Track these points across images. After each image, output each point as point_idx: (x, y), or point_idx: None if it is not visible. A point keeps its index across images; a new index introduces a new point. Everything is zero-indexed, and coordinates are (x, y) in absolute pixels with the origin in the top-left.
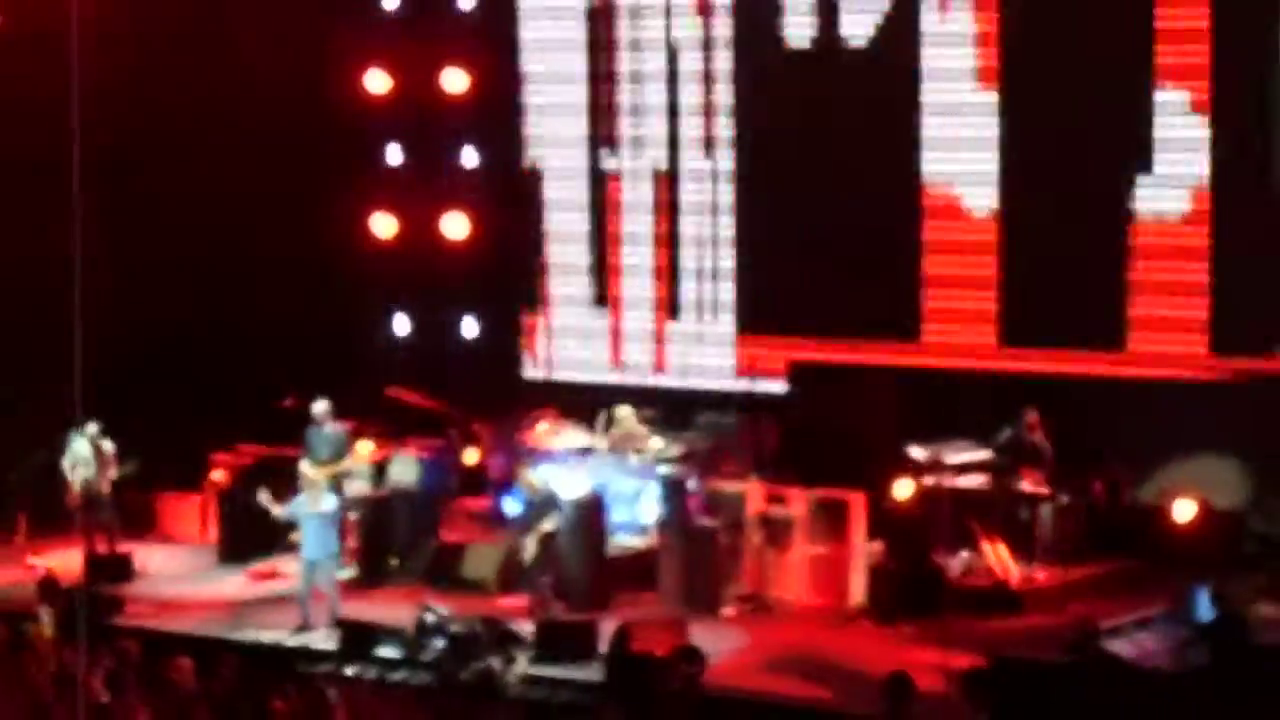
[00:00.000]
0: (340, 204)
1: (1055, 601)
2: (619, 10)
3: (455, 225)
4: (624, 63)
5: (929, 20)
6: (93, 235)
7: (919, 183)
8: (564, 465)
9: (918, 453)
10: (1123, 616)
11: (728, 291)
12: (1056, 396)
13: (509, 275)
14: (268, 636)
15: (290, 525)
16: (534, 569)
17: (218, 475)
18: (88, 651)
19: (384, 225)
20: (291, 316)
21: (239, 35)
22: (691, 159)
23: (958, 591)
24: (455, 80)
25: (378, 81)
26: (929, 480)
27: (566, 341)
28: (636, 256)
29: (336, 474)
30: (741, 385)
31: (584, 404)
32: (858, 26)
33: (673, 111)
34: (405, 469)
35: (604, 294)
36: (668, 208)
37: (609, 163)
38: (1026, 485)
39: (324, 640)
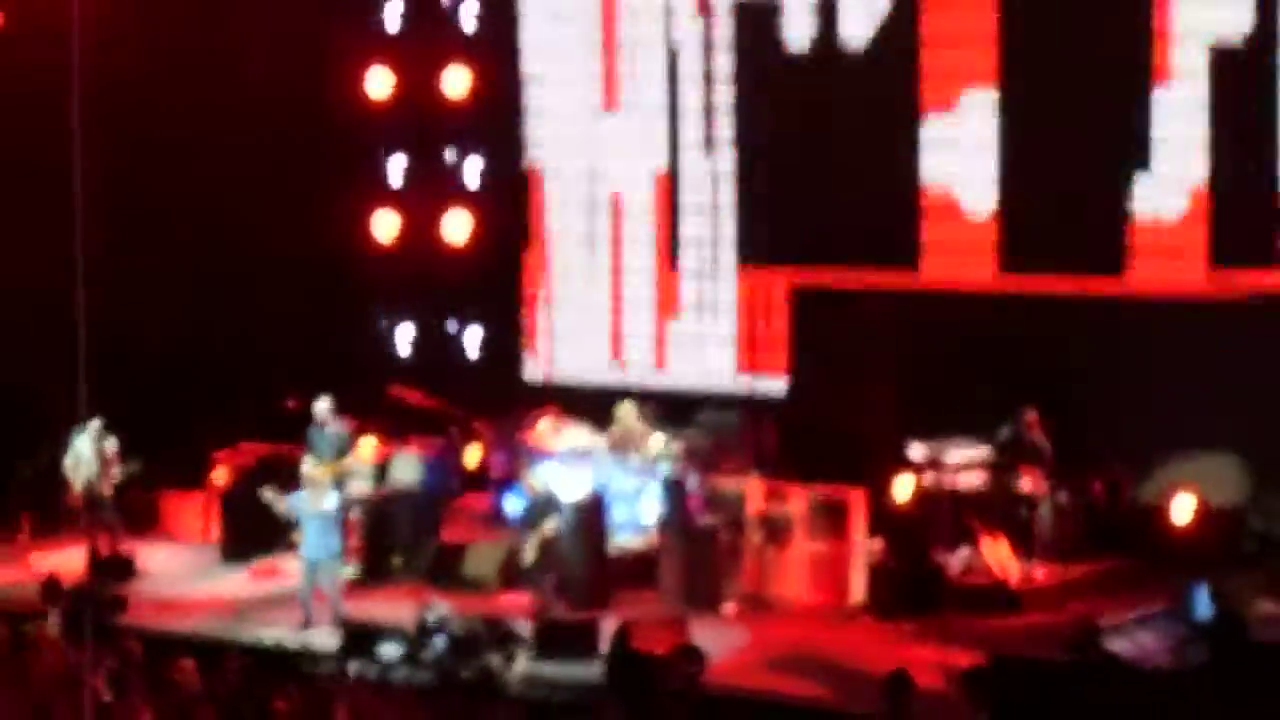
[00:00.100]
0: (342, 205)
1: (1055, 600)
2: (620, 12)
3: (456, 226)
4: (624, 62)
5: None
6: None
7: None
8: (565, 464)
9: (917, 451)
10: (1122, 615)
11: (728, 291)
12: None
13: (510, 276)
14: (270, 636)
15: (292, 524)
16: (535, 569)
17: (220, 474)
18: (91, 651)
19: (385, 226)
20: (294, 317)
21: (240, 38)
22: (692, 160)
23: (957, 590)
24: (456, 82)
25: (379, 84)
26: (929, 478)
27: (567, 341)
28: (637, 257)
29: (339, 473)
30: (742, 385)
31: (585, 403)
32: (857, 28)
33: (673, 112)
34: (407, 468)
35: (605, 294)
36: (668, 209)
37: (610, 163)
38: (1026, 484)
39: (326, 639)
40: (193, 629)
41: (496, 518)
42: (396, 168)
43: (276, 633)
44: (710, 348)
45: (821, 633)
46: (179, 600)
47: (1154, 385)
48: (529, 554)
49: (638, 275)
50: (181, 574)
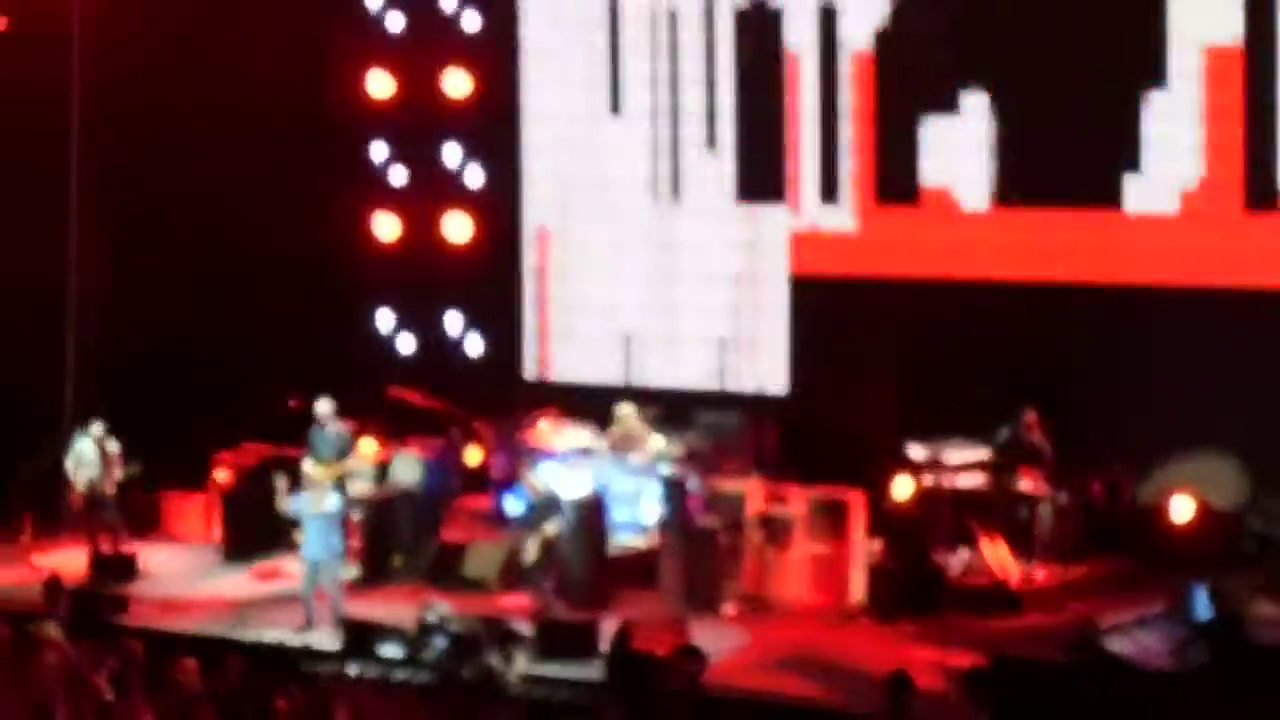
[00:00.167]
0: (342, 205)
1: (1054, 601)
2: (622, 13)
3: (456, 226)
4: (625, 63)
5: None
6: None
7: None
8: (565, 465)
9: (917, 452)
10: (1122, 616)
11: (729, 291)
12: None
13: (510, 276)
14: (271, 636)
15: (293, 524)
16: (536, 569)
17: (221, 475)
18: (92, 651)
19: (385, 227)
20: (294, 317)
21: (241, 39)
22: (693, 159)
23: (957, 590)
24: (456, 83)
25: (379, 84)
26: (928, 479)
27: (568, 342)
28: (638, 257)
29: (340, 474)
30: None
31: (585, 404)
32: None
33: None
34: (407, 469)
35: (606, 294)
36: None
37: (610, 163)
38: (1026, 484)
39: (327, 639)
40: (194, 629)
41: (497, 518)
42: (396, 168)
43: (278, 632)
44: (710, 348)
45: (821, 633)
46: (180, 600)
47: (1154, 385)
48: (530, 554)
49: (637, 275)
50: (183, 574)
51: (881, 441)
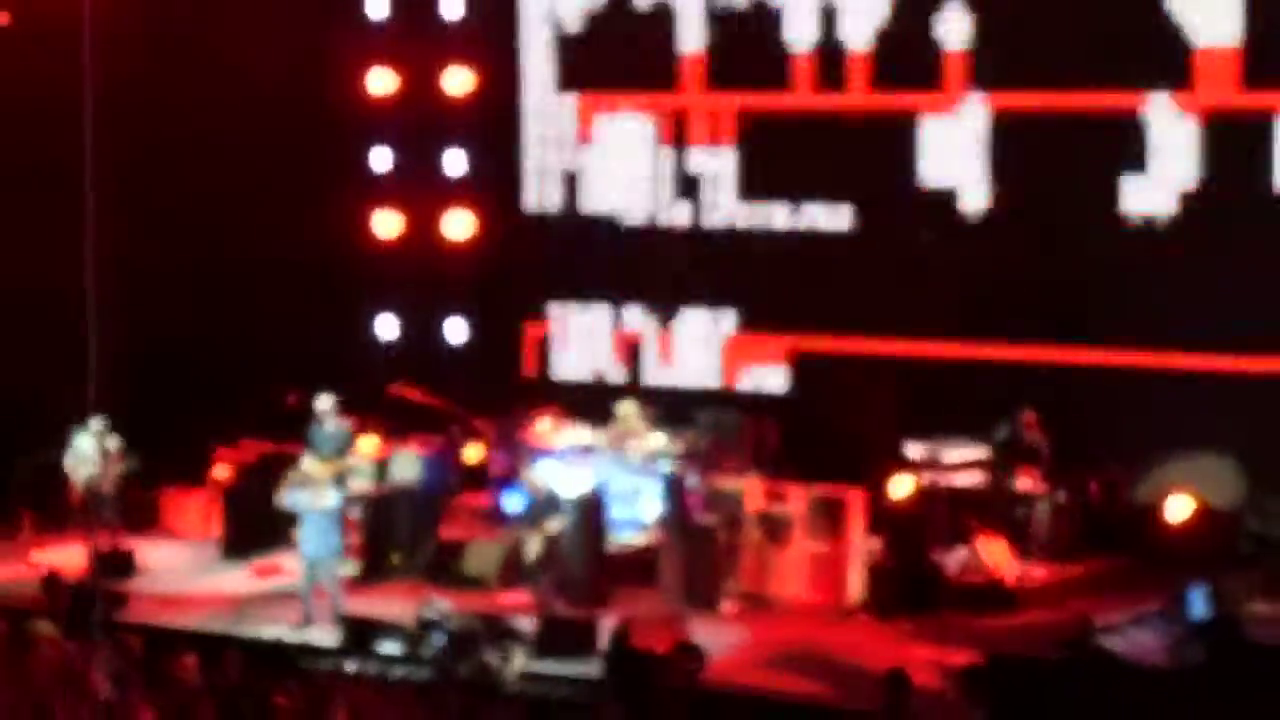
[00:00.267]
0: (342, 203)
1: (1052, 599)
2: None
3: (456, 224)
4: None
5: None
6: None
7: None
8: (565, 462)
9: (915, 450)
10: (1119, 614)
11: (730, 289)
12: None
13: (510, 274)
14: (270, 633)
15: (293, 520)
16: (536, 567)
17: (221, 471)
18: (91, 648)
19: (385, 224)
20: (294, 314)
21: (239, 38)
22: (695, 159)
23: (955, 589)
24: (456, 81)
25: (379, 82)
26: (927, 478)
27: (568, 339)
28: (638, 255)
29: (339, 471)
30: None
31: (585, 402)
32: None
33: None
34: (407, 466)
35: (606, 292)
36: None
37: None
38: (1024, 483)
39: (326, 637)
40: (193, 625)
41: (496, 516)
42: (396, 166)
43: (277, 629)
44: (712, 345)
45: (820, 631)
46: (180, 597)
47: (1151, 384)
48: (532, 551)
49: (640, 273)
50: (182, 571)
51: (880, 440)
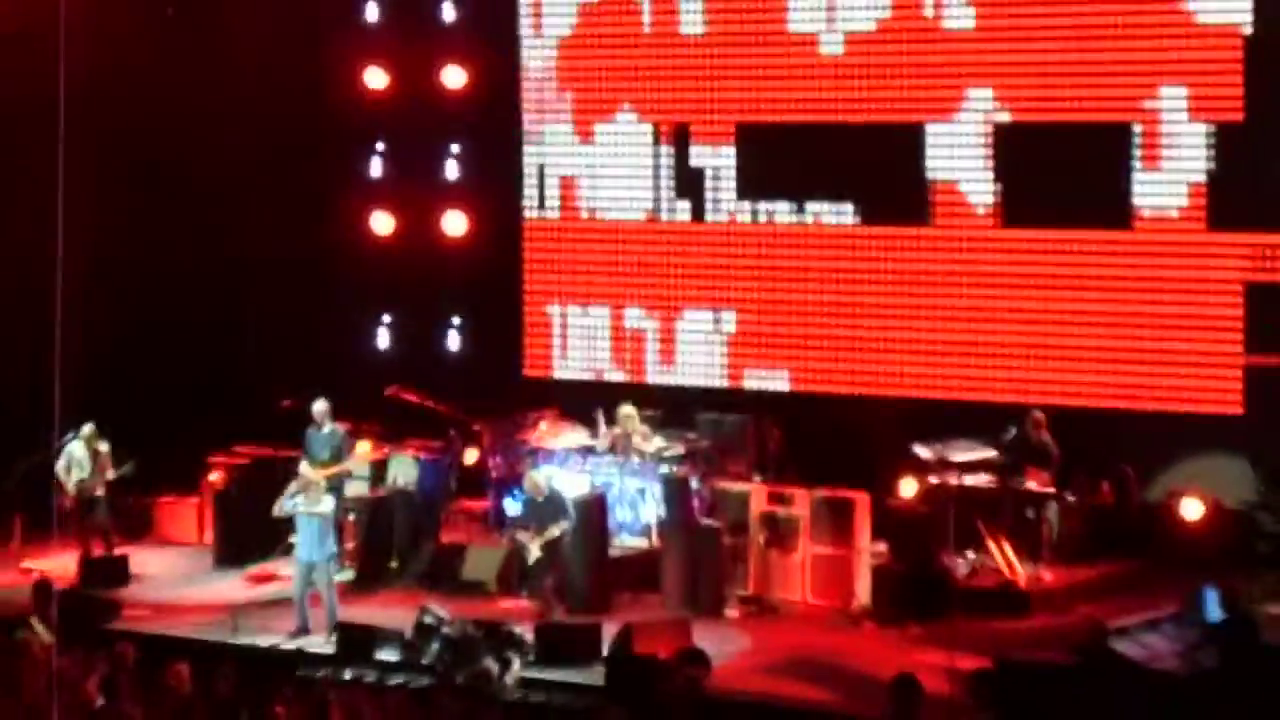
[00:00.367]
0: (337, 204)
1: (1062, 602)
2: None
3: (454, 224)
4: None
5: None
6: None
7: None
8: (565, 465)
9: (923, 452)
10: (1131, 617)
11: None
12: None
13: (508, 275)
14: (265, 640)
15: (288, 526)
16: (539, 572)
17: (214, 477)
18: (83, 656)
19: (382, 225)
20: (289, 317)
21: (234, 37)
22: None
23: (964, 592)
24: (453, 78)
25: (375, 82)
26: (934, 480)
27: (568, 340)
28: (640, 255)
29: (335, 475)
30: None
31: (585, 403)
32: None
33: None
34: (404, 469)
35: (606, 292)
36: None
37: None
38: (1033, 485)
39: (322, 644)
40: (187, 633)
41: (495, 520)
42: (392, 167)
43: (272, 637)
44: (714, 346)
45: (826, 636)
46: (173, 604)
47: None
48: (534, 556)
49: (641, 274)
50: (175, 578)
51: (887, 441)
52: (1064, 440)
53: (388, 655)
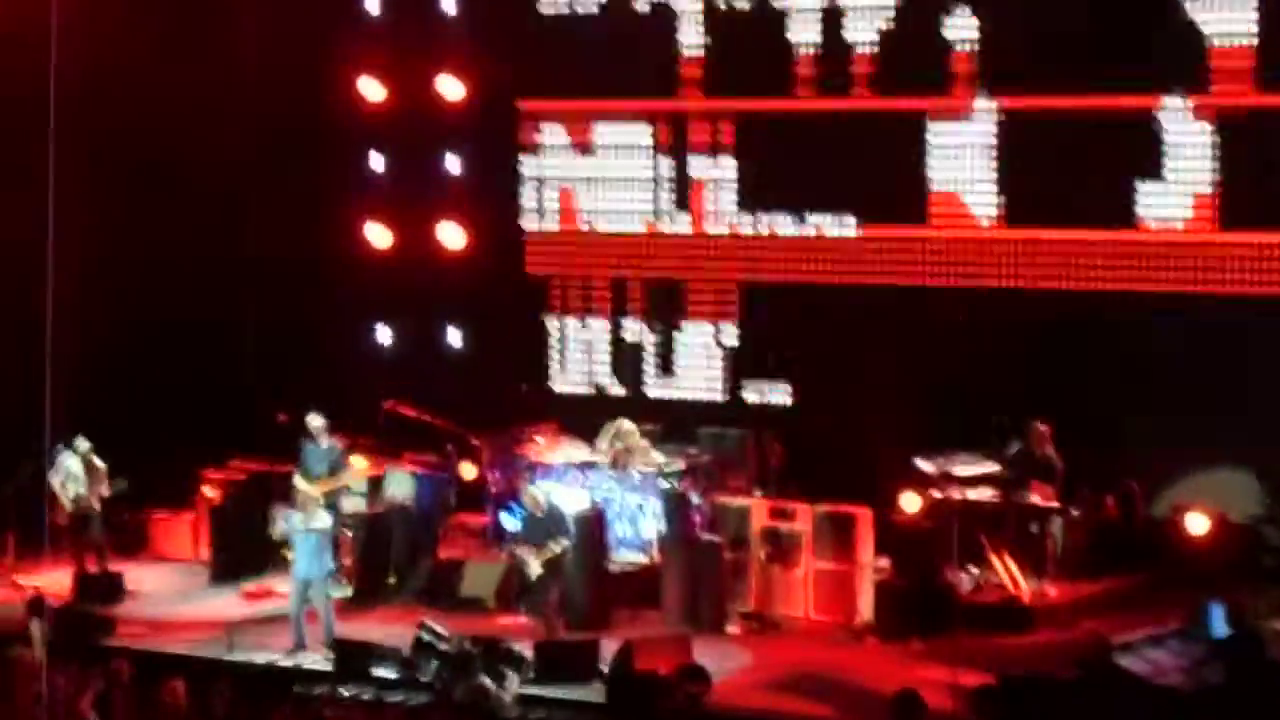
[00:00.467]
0: (335, 215)
1: (1066, 617)
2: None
3: (451, 235)
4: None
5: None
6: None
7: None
8: (564, 480)
9: (926, 466)
10: (1135, 633)
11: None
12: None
13: (507, 286)
14: (261, 657)
15: (283, 541)
16: (539, 591)
17: (210, 492)
18: (77, 673)
19: (378, 235)
20: (285, 329)
21: (233, 44)
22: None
23: (967, 608)
24: (450, 88)
25: (373, 91)
26: (937, 494)
27: (567, 353)
28: (639, 266)
29: (332, 490)
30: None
31: (585, 418)
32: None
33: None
34: (402, 484)
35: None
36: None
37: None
38: (1037, 499)
39: (319, 661)
40: (182, 650)
41: (494, 535)
42: (389, 177)
43: (268, 654)
44: (714, 359)
45: (828, 652)
46: (168, 621)
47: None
48: (534, 572)
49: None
50: (171, 594)
51: (889, 455)
52: (1068, 454)
53: (385, 673)
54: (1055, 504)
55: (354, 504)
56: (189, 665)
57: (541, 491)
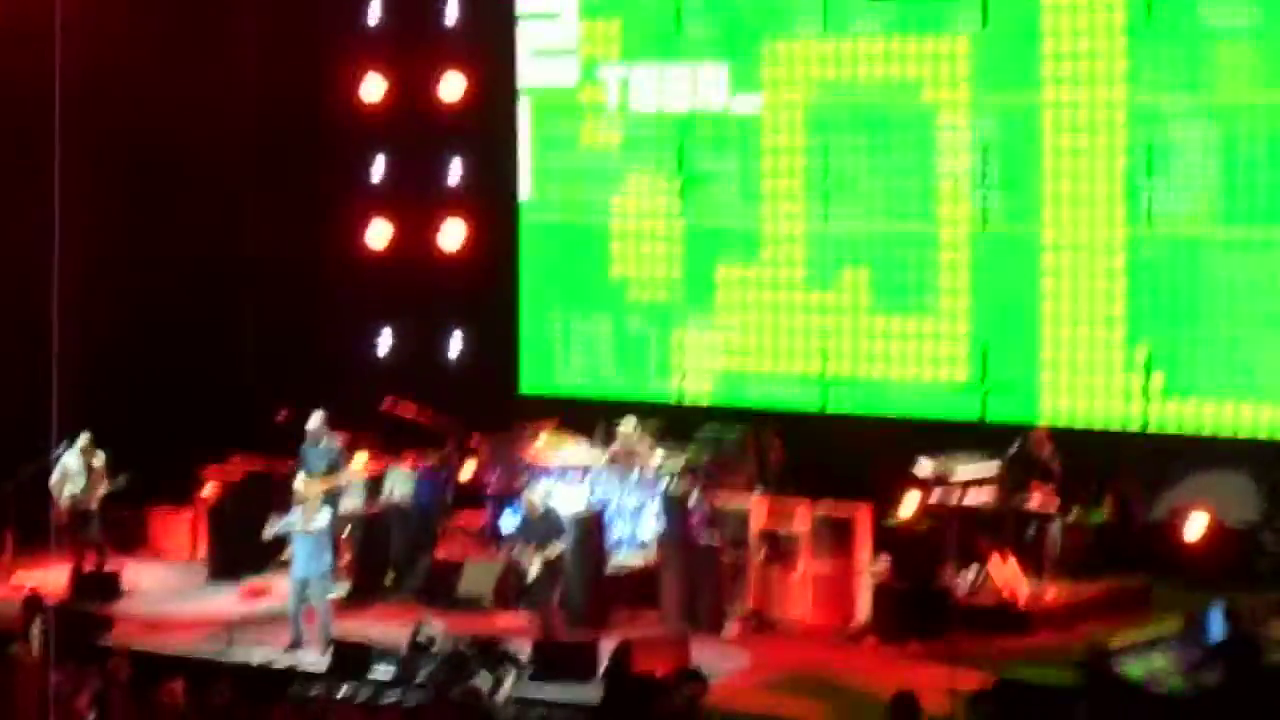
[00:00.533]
0: (335, 214)
1: (1064, 620)
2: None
3: (451, 234)
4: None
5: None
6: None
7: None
8: (564, 480)
9: (925, 468)
10: (1133, 636)
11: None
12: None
13: (506, 286)
14: (259, 656)
15: (282, 540)
16: (539, 592)
17: (208, 490)
18: (75, 672)
19: (379, 235)
20: (285, 328)
21: (232, 45)
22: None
23: (965, 610)
24: (451, 89)
25: (372, 91)
26: (936, 496)
27: (567, 352)
28: (638, 266)
29: (331, 489)
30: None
31: (585, 417)
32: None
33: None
34: (401, 484)
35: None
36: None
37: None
38: (1036, 501)
39: (316, 660)
40: (180, 649)
41: (492, 535)
42: (390, 177)
43: (266, 653)
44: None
45: (826, 654)
46: (166, 619)
47: None
48: (534, 573)
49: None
50: (168, 592)
51: (888, 456)
52: (1066, 457)
53: (382, 672)
54: (1053, 507)
55: (353, 503)
56: (187, 664)
57: (539, 493)
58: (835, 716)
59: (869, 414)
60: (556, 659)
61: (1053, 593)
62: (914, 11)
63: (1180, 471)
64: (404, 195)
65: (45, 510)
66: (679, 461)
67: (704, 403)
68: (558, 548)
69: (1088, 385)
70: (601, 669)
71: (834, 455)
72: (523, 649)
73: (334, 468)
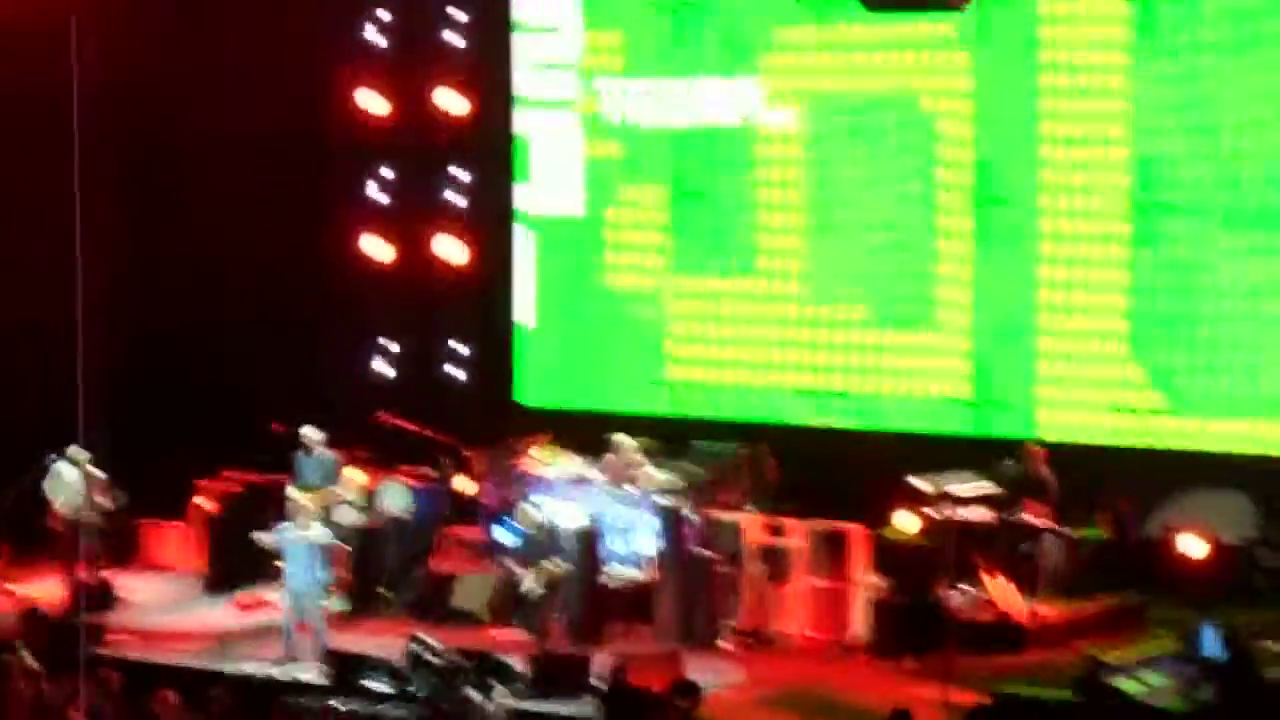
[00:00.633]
0: (333, 228)
1: (1060, 637)
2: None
3: (449, 250)
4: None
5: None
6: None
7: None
8: (558, 494)
9: (920, 484)
10: (1129, 653)
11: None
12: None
13: (503, 300)
14: (253, 668)
15: (277, 553)
16: (536, 607)
17: (203, 501)
18: (68, 683)
19: (377, 250)
20: (281, 341)
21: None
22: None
23: (961, 626)
24: (450, 103)
25: (372, 106)
26: (931, 513)
27: (563, 365)
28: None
29: (326, 502)
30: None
31: (580, 431)
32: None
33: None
34: (395, 497)
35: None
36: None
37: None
38: (1031, 518)
39: (311, 673)
40: (175, 660)
41: (488, 548)
42: (387, 191)
43: (260, 665)
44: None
45: (821, 670)
46: (160, 631)
47: None
48: (526, 586)
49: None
50: (163, 604)
51: (884, 473)
52: (1062, 474)
53: (377, 686)
54: (1049, 524)
55: (348, 516)
56: (181, 675)
57: (534, 507)
58: None
59: (865, 429)
60: (552, 672)
61: (1048, 610)
62: (912, 23)
63: (1177, 488)
64: (403, 209)
65: (39, 521)
66: (674, 476)
67: (700, 417)
68: (553, 562)
69: (1085, 401)
70: (599, 687)
71: (829, 470)
72: (517, 663)
73: (329, 480)
